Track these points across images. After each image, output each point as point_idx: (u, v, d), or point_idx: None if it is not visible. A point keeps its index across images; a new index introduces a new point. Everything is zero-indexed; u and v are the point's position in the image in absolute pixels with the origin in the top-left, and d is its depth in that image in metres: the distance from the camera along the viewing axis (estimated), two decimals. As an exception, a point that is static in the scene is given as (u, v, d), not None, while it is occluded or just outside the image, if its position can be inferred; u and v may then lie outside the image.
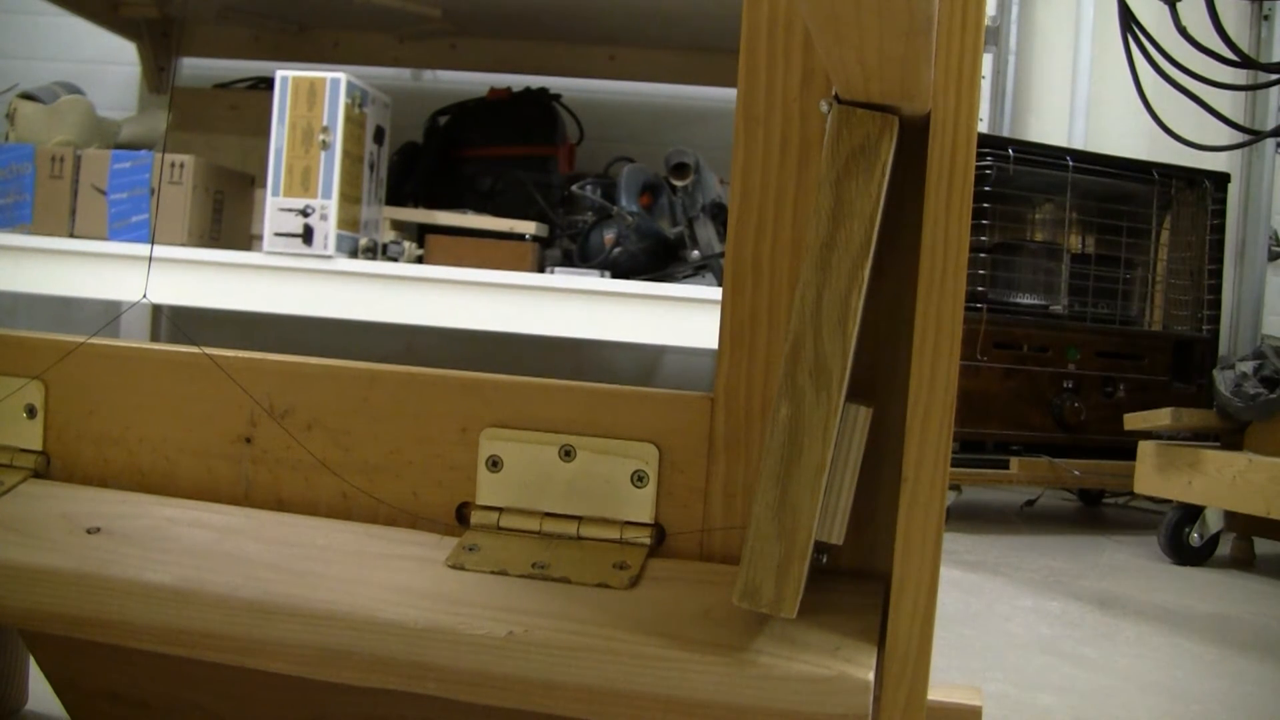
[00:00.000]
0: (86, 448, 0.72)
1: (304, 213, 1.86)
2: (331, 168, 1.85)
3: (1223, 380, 1.93)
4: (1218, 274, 2.41)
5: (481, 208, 2.14)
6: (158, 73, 2.59)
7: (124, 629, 0.58)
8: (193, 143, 2.22)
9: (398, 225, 2.06)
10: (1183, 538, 1.94)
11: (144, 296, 2.07)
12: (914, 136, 0.58)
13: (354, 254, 1.94)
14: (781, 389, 0.53)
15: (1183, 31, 1.65)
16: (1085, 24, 2.78)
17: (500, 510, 0.66)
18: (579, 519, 0.65)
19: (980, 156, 2.16)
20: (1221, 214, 2.41)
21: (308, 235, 1.86)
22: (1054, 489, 2.53)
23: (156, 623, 0.58)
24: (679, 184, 1.99)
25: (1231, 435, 1.94)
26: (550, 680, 0.54)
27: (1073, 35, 2.81)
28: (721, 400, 0.64)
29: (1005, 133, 2.78)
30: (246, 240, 2.11)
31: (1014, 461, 2.18)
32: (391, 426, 0.68)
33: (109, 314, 2.48)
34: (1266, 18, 2.76)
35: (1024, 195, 2.33)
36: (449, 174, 2.28)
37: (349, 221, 1.91)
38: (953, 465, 1.87)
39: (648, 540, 0.64)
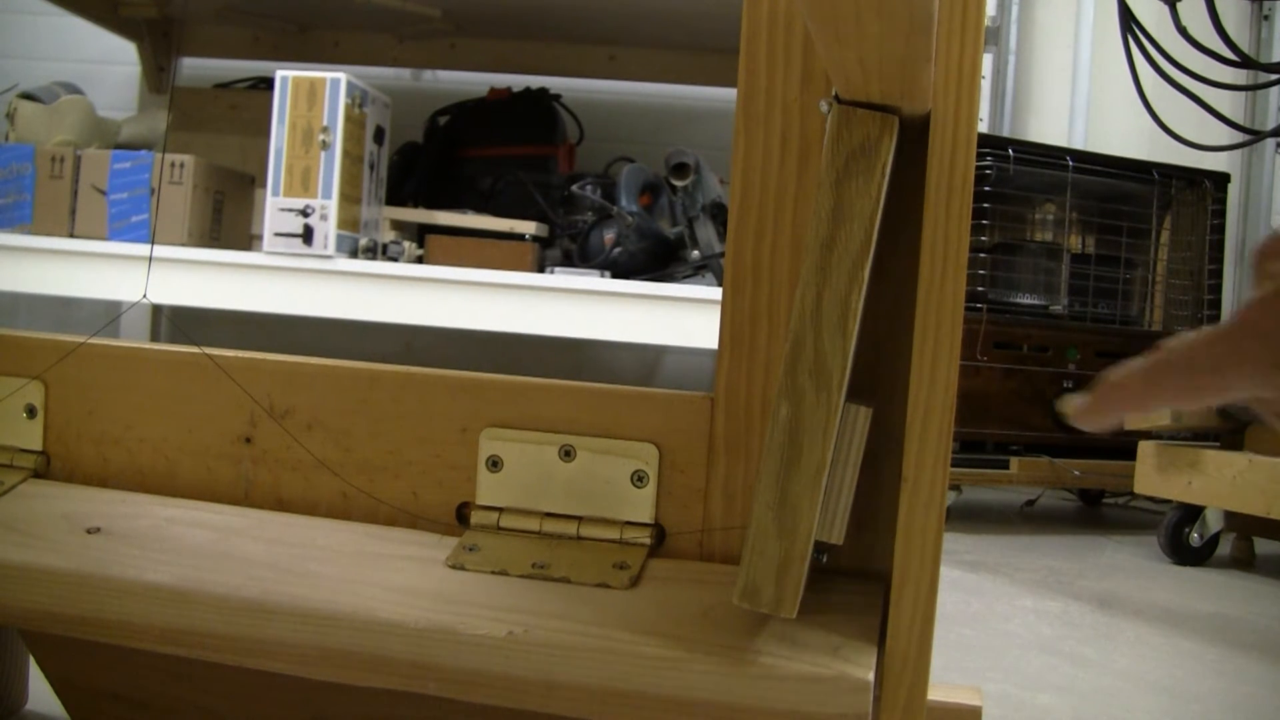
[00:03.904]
0: (86, 448, 0.72)
1: (304, 213, 1.86)
2: (331, 168, 1.85)
3: (1223, 380, 1.92)
4: (1218, 274, 2.40)
5: (481, 208, 2.14)
6: (158, 73, 2.59)
7: (124, 629, 0.58)
8: (193, 143, 2.22)
9: (398, 225, 2.06)
10: (1183, 538, 1.94)
11: (144, 296, 2.07)
12: (914, 136, 0.58)
13: (354, 254, 1.94)
14: (781, 389, 0.53)
15: (1183, 31, 1.65)
16: (1085, 24, 2.78)
17: (500, 510, 0.66)
18: (579, 519, 0.65)
19: (980, 156, 2.16)
20: (1221, 214, 2.41)
21: (308, 235, 1.86)
22: (1054, 489, 2.53)
23: (156, 623, 0.58)
24: (679, 184, 1.99)
25: (1231, 435, 1.94)
26: (550, 680, 0.54)
27: (1073, 35, 2.81)
28: (721, 400, 0.64)
29: (1005, 133, 2.78)
30: (246, 240, 2.11)
31: (1014, 461, 2.18)
32: (391, 426, 0.68)
33: (109, 314, 2.48)
34: (1266, 18, 2.76)
35: (1024, 195, 2.33)
36: (449, 174, 2.28)
37: (349, 221, 1.91)
38: (953, 465, 1.87)
39: (648, 540, 0.64)
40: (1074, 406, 0.41)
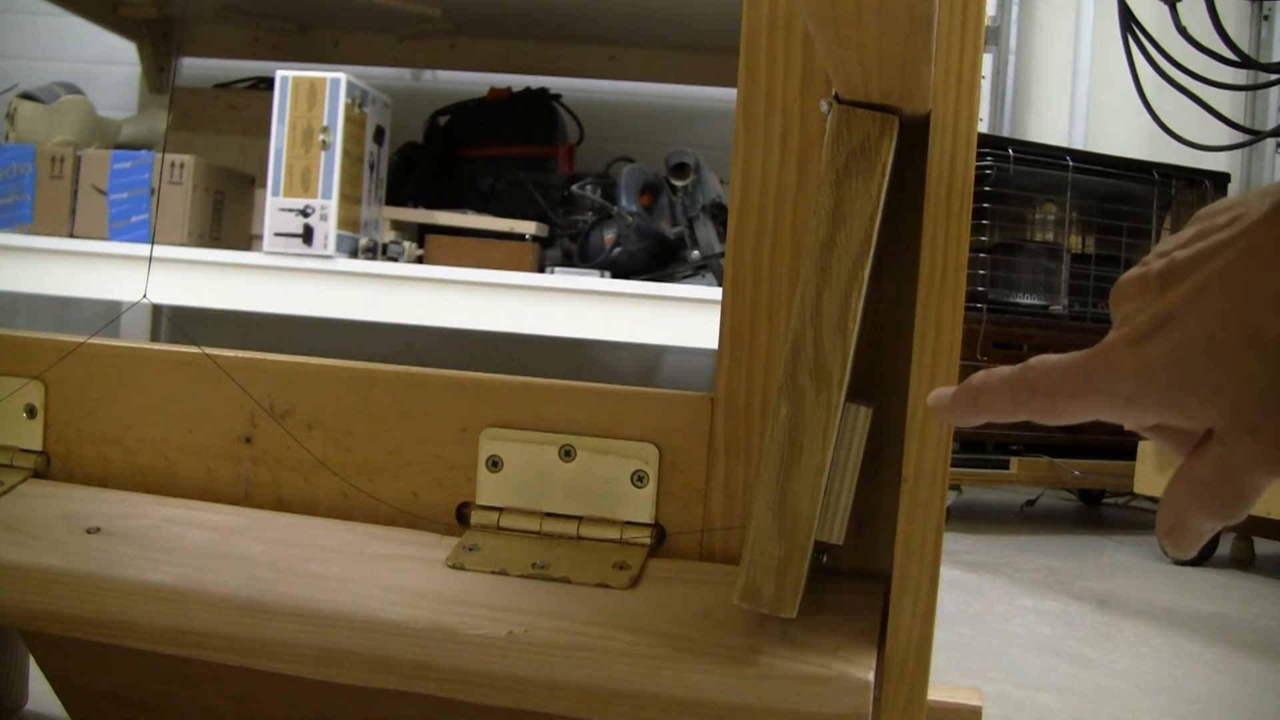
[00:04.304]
0: (86, 448, 0.72)
1: (304, 213, 1.86)
2: (331, 168, 1.85)
3: (1223, 380, 1.92)
4: (1218, 274, 2.40)
5: (481, 208, 2.14)
6: (158, 73, 2.59)
7: (124, 629, 0.58)
8: (193, 143, 2.22)
9: (398, 225, 2.06)
10: (1183, 538, 1.94)
11: (144, 296, 2.07)
12: (914, 136, 0.58)
13: (354, 254, 1.94)
14: (781, 389, 0.53)
15: (1183, 31, 1.65)
16: (1085, 24, 2.78)
17: (500, 510, 0.66)
18: (579, 519, 0.65)
19: (980, 156, 2.16)
20: (1222, 214, 2.40)
21: (308, 235, 1.86)
22: (1054, 489, 2.53)
23: (156, 623, 0.58)
24: (679, 184, 1.99)
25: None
26: (550, 680, 0.54)
27: (1073, 35, 2.81)
28: (721, 400, 0.64)
29: (1005, 133, 2.78)
30: (246, 240, 2.11)
31: (1014, 461, 2.18)
32: (391, 426, 0.68)
33: (109, 314, 2.48)
34: (1266, 18, 2.76)
35: (1024, 195, 2.33)
36: (449, 174, 2.28)
37: (349, 221, 1.91)
38: (953, 465, 1.87)
39: (648, 540, 0.64)
40: (936, 399, 0.43)
